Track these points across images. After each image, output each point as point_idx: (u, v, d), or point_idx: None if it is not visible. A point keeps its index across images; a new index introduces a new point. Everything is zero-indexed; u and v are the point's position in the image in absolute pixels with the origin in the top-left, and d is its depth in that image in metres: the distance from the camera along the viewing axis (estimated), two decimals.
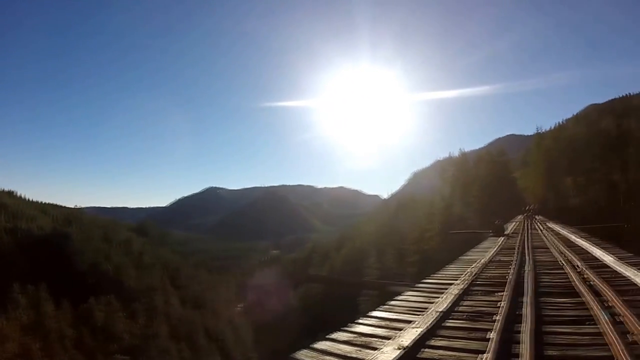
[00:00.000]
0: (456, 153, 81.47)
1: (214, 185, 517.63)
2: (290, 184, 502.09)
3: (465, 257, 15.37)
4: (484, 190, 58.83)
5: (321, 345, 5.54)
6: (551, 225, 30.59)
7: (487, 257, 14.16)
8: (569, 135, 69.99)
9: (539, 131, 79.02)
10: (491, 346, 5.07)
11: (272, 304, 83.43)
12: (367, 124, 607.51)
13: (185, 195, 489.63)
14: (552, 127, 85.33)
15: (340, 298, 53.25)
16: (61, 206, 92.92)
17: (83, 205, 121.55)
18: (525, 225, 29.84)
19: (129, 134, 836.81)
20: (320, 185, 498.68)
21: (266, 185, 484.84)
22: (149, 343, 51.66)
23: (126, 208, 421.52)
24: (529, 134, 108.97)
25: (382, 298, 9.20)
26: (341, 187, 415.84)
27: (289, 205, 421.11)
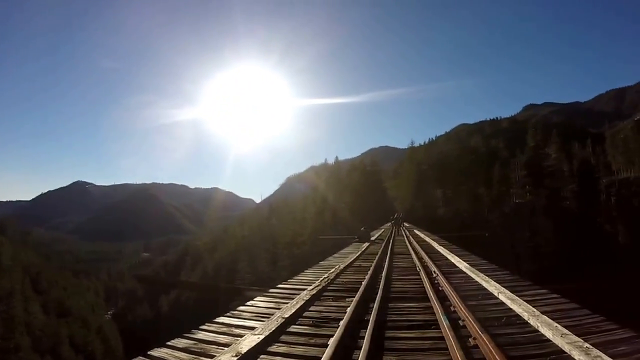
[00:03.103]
0: (331, 160, 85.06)
1: (81, 180, 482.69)
2: (163, 182, 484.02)
3: (324, 263, 15.78)
4: (356, 198, 61.96)
5: (157, 352, 5.46)
6: (417, 232, 32.83)
7: (347, 263, 14.55)
8: (440, 151, 76.86)
9: (412, 145, 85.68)
10: (327, 352, 5.05)
11: (142, 310, 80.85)
12: (247, 127, 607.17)
13: (51, 189, 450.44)
14: (425, 142, 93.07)
15: (210, 303, 52.52)
16: None
17: None
18: (392, 232, 31.54)
19: None
20: (193, 186, 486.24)
21: (137, 183, 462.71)
22: (9, 358, 48.07)
23: None
24: (403, 147, 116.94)
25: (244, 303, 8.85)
26: (215, 189, 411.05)
27: (160, 205, 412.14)
